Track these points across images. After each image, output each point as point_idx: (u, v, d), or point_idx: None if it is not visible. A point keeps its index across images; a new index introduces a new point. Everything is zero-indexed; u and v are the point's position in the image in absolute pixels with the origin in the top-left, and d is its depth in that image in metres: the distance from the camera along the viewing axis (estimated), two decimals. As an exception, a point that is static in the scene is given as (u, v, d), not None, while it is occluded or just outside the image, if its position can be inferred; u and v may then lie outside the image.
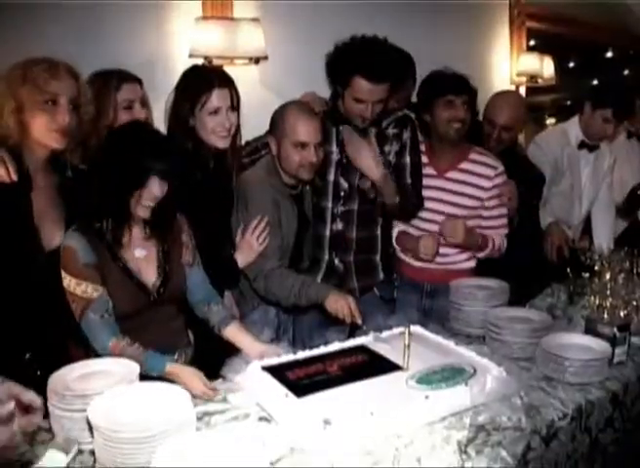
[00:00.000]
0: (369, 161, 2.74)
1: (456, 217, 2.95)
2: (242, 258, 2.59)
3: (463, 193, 3.00)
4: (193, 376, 1.99)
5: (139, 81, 2.64)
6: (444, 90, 2.93)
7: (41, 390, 1.72)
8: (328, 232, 2.88)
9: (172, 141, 2.31)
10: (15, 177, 2.01)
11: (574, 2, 5.77)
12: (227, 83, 2.49)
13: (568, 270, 2.94)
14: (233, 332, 2.27)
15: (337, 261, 2.91)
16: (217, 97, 2.45)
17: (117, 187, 2.02)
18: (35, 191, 2.09)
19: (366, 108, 2.68)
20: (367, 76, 2.61)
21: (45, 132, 2.04)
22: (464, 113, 2.92)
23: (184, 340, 2.31)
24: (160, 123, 2.56)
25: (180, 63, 3.39)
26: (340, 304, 2.38)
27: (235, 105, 2.51)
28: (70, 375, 1.83)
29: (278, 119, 2.63)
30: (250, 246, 2.58)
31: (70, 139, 2.11)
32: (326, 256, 2.91)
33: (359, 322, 2.36)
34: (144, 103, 2.63)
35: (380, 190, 2.78)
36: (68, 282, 2.00)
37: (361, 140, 2.76)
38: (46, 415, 1.70)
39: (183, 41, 3.53)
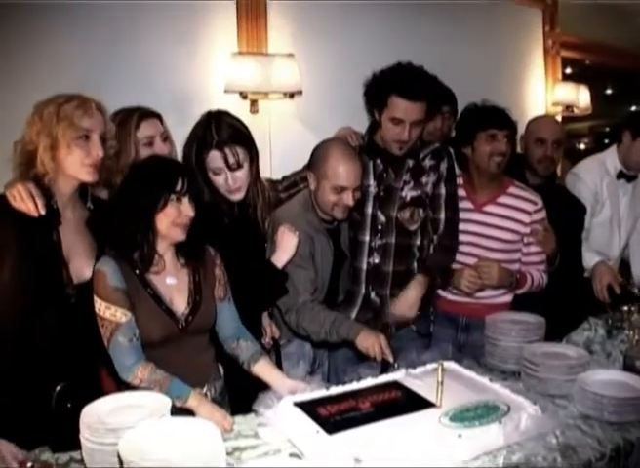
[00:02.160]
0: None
1: (493, 251, 2.95)
2: (282, 254, 2.56)
3: (502, 227, 2.98)
4: (214, 412, 2.00)
5: (158, 117, 2.67)
6: (486, 123, 2.94)
7: (71, 422, 1.75)
8: (365, 266, 2.87)
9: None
10: (43, 212, 2.04)
11: (608, 30, 5.74)
12: (223, 144, 2.43)
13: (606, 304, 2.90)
14: (262, 369, 2.26)
15: (373, 295, 2.90)
16: (213, 159, 2.44)
17: (145, 211, 2.07)
18: (64, 225, 2.14)
19: (403, 130, 2.69)
20: (403, 94, 2.64)
21: (79, 166, 2.10)
22: (506, 147, 2.92)
23: (214, 374, 2.30)
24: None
25: (216, 98, 3.44)
26: (370, 342, 2.39)
27: (236, 166, 2.45)
28: (103, 408, 1.83)
29: (320, 158, 2.63)
30: (288, 238, 2.56)
31: (100, 173, 2.16)
32: (362, 290, 2.90)
33: (390, 359, 2.36)
34: (166, 138, 2.66)
35: None
36: (99, 306, 2.03)
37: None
38: (79, 447, 1.73)
39: (219, 76, 3.59)
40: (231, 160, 2.43)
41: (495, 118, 2.94)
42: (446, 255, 2.94)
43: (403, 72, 2.69)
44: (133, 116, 2.58)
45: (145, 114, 2.63)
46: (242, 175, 2.48)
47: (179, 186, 2.07)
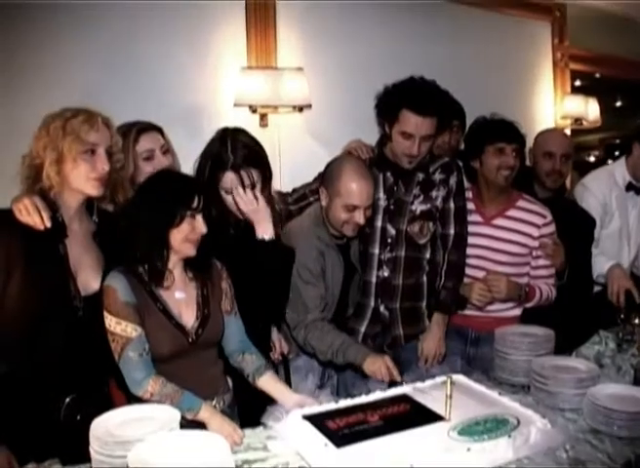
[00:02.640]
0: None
1: (502, 264, 2.96)
2: (265, 226, 2.48)
3: (511, 240, 2.99)
4: (225, 424, 2.00)
5: (158, 130, 2.68)
6: (495, 137, 2.94)
7: (80, 434, 1.76)
8: (374, 279, 2.87)
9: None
10: (49, 224, 2.05)
11: (617, 42, 5.74)
12: (238, 166, 2.42)
13: (617, 316, 2.88)
14: (267, 383, 2.27)
15: (382, 308, 2.90)
16: (227, 180, 2.43)
17: (160, 227, 2.08)
18: (70, 238, 2.15)
19: (413, 145, 2.70)
20: (414, 109, 2.65)
21: (84, 180, 2.11)
22: (514, 161, 2.92)
23: (223, 386, 2.30)
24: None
25: (225, 112, 3.47)
26: (377, 366, 2.39)
27: (250, 184, 2.43)
28: (112, 421, 1.83)
29: (333, 175, 2.62)
30: (262, 209, 2.48)
31: (106, 187, 2.18)
32: (372, 303, 2.90)
33: (398, 379, 2.36)
34: (166, 151, 2.67)
35: None
36: (109, 321, 2.03)
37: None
38: (88, 460, 1.73)
39: (229, 90, 3.62)
40: (246, 182, 2.42)
41: (503, 132, 2.95)
42: (456, 277, 2.93)
43: (415, 87, 2.70)
44: (132, 130, 2.59)
45: (144, 128, 2.64)
46: (244, 197, 2.45)
47: (195, 203, 2.09)
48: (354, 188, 2.55)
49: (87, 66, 3.30)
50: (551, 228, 3.02)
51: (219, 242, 2.31)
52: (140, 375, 2.02)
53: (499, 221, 3.02)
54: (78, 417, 2.05)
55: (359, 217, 2.58)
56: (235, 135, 2.49)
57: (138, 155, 2.58)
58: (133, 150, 2.57)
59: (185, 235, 2.09)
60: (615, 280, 3.34)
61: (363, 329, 2.88)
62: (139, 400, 2.02)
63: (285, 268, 2.55)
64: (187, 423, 1.93)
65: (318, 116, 3.90)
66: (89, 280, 2.17)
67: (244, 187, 2.42)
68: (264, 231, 2.47)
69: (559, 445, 1.95)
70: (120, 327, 2.02)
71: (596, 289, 3.62)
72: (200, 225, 2.11)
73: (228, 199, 2.46)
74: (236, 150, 2.43)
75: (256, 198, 2.43)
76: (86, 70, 3.28)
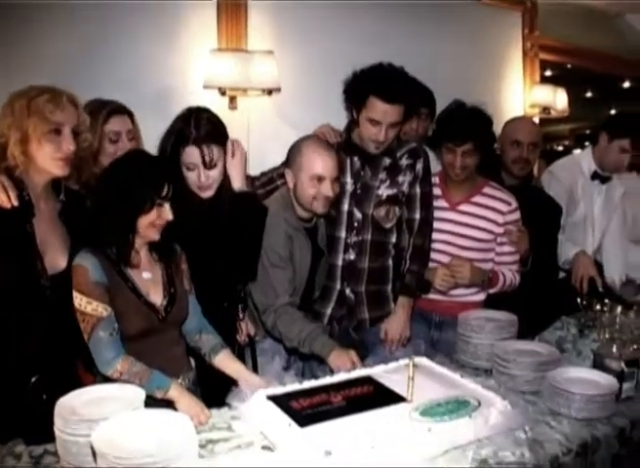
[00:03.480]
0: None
1: (466, 250, 2.99)
2: (236, 173, 2.54)
3: (476, 226, 3.02)
4: (191, 404, 2.03)
5: (129, 114, 2.69)
6: (448, 137, 2.95)
7: (46, 414, 1.75)
8: (340, 262, 2.89)
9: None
10: (15, 203, 2.04)
11: (587, 33, 5.80)
12: (201, 141, 2.44)
13: (579, 302, 2.93)
14: (222, 361, 2.30)
15: (348, 291, 2.91)
16: (190, 155, 2.44)
17: (130, 213, 2.08)
18: (37, 217, 2.13)
19: (380, 131, 2.71)
20: (382, 96, 2.65)
21: (50, 160, 2.09)
22: (462, 161, 2.92)
23: (186, 365, 2.33)
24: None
25: (195, 94, 3.45)
26: (342, 360, 2.42)
27: (210, 164, 2.45)
28: (77, 400, 1.83)
29: (295, 152, 2.65)
30: (237, 161, 2.55)
31: (72, 166, 2.15)
32: (337, 286, 2.91)
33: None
34: (133, 137, 2.68)
35: None
36: (79, 301, 2.02)
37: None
38: (53, 439, 1.73)
39: (198, 72, 3.59)
40: (207, 158, 2.43)
41: (455, 133, 2.93)
42: (420, 261, 2.94)
43: (383, 74, 2.71)
44: (103, 110, 2.60)
45: (116, 110, 2.65)
46: (215, 173, 2.48)
47: (164, 192, 2.10)
48: (317, 159, 2.58)
49: (58, 49, 3.26)
50: (516, 215, 3.06)
51: (181, 219, 2.30)
52: (110, 355, 2.02)
53: (464, 207, 3.05)
54: (44, 397, 2.04)
55: (327, 190, 2.59)
56: (199, 111, 2.50)
57: (105, 135, 2.58)
58: (100, 129, 2.57)
59: (152, 221, 2.10)
60: (580, 267, 3.38)
61: (329, 311, 2.90)
62: (107, 380, 2.02)
63: (257, 224, 2.57)
64: (156, 402, 1.95)
65: (287, 100, 3.89)
66: (56, 259, 2.16)
67: (205, 163, 2.43)
68: (240, 183, 2.54)
69: (518, 426, 1.99)
70: (91, 306, 2.01)
71: (561, 275, 3.68)
72: (167, 212, 2.12)
73: (190, 176, 2.46)
74: (199, 126, 2.44)
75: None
76: (57, 53, 3.24)
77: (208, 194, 2.51)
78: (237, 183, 2.54)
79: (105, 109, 2.60)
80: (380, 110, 2.68)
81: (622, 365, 2.24)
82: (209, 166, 2.45)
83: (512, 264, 3.08)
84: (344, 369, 2.37)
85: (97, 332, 2.01)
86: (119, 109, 2.65)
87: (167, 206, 2.12)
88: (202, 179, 2.46)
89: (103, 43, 3.33)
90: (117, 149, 2.58)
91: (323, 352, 2.48)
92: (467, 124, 2.94)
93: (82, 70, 3.15)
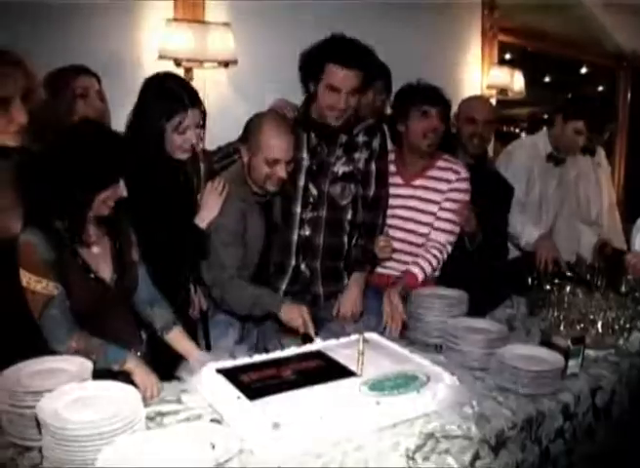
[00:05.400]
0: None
1: (422, 225, 3.04)
2: (206, 213, 2.60)
3: (429, 199, 3.04)
4: (148, 375, 2.03)
5: (96, 77, 2.71)
6: (420, 100, 2.98)
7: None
8: (295, 237, 2.89)
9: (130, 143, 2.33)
10: None
11: (546, 17, 5.83)
12: (198, 102, 2.52)
13: (530, 282, 2.97)
14: (174, 339, 2.31)
15: (303, 267, 2.92)
16: (188, 119, 2.47)
17: (84, 189, 2.02)
18: None
19: (339, 99, 2.70)
20: (339, 61, 2.66)
21: (2, 133, 2.01)
22: (439, 124, 2.96)
23: (137, 338, 2.32)
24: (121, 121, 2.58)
25: (149, 64, 3.40)
26: (293, 314, 2.43)
27: (202, 123, 2.54)
28: (23, 372, 1.82)
29: (253, 130, 2.62)
30: (213, 198, 2.61)
31: (27, 132, 2.08)
32: (292, 262, 2.92)
33: (311, 333, 2.41)
34: (102, 98, 2.71)
35: None
36: (28, 279, 1.98)
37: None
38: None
39: (153, 42, 3.54)
40: (203, 116, 2.54)
41: (428, 95, 2.99)
42: (369, 236, 2.93)
43: (339, 41, 2.72)
44: (71, 69, 2.65)
45: (84, 70, 2.69)
46: (201, 135, 2.56)
47: (123, 168, 2.08)
48: (274, 142, 2.56)
49: (10, 13, 3.17)
50: (463, 185, 3.07)
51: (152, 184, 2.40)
52: (62, 332, 2.01)
53: (417, 182, 3.07)
54: None
55: (281, 172, 2.58)
56: (178, 77, 2.63)
57: (75, 90, 2.61)
58: (71, 86, 2.61)
59: (108, 197, 2.07)
60: (544, 248, 3.42)
61: (284, 286, 2.91)
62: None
63: (201, 252, 2.63)
64: (114, 375, 1.96)
65: (244, 73, 3.84)
66: (8, 220, 2.08)
67: (199, 123, 2.51)
68: (202, 219, 2.60)
69: (466, 401, 2.02)
70: (41, 285, 1.98)
71: (513, 254, 3.73)
72: (122, 189, 2.08)
73: (182, 138, 2.48)
74: (188, 87, 2.55)
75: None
76: (9, 17, 3.15)
77: (186, 156, 2.55)
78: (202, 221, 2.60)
79: (73, 68, 2.66)
80: (339, 76, 2.67)
81: (569, 342, 2.29)
82: (202, 125, 2.53)
83: (449, 234, 3.06)
84: (296, 322, 2.41)
85: (48, 311, 1.99)
86: (87, 70, 2.70)
87: (122, 183, 2.08)
88: (193, 140, 2.50)
89: (55, 12, 3.25)
90: (87, 106, 2.62)
91: (274, 307, 2.50)
92: (436, 89, 3.02)
93: (31, 40, 3.06)
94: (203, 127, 2.55)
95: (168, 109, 2.45)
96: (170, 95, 2.48)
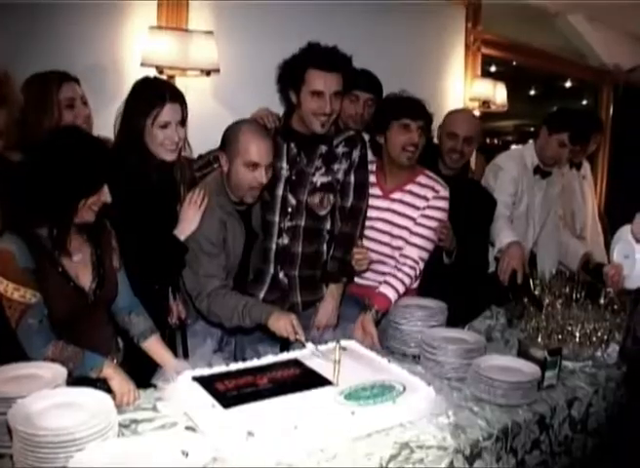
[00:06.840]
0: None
1: (397, 238, 3.01)
2: (186, 226, 2.61)
3: (405, 214, 3.02)
4: (125, 382, 2.02)
5: (76, 80, 2.72)
6: (400, 113, 2.95)
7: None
8: (274, 246, 2.88)
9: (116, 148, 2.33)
10: None
11: (530, 31, 5.89)
12: (178, 98, 2.55)
13: (509, 293, 2.98)
14: (150, 347, 2.32)
15: (281, 275, 2.91)
16: (167, 112, 2.49)
17: (68, 195, 2.02)
18: None
19: (325, 103, 2.70)
20: (320, 66, 2.67)
21: None
22: (419, 138, 2.94)
23: (114, 346, 2.31)
24: (105, 127, 2.60)
25: (132, 71, 3.40)
26: (282, 322, 2.41)
27: (184, 120, 2.56)
28: (-4, 378, 1.81)
29: (231, 137, 2.62)
30: (192, 211, 2.61)
31: (6, 141, 2.07)
32: (271, 270, 2.91)
33: (302, 339, 2.38)
34: (85, 102, 2.72)
35: None
36: (5, 287, 1.96)
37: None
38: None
39: (136, 49, 3.54)
40: (184, 113, 2.56)
41: (409, 108, 2.97)
42: (345, 248, 2.91)
43: (317, 47, 2.73)
44: (53, 78, 2.62)
45: (65, 77, 2.68)
46: (184, 133, 2.57)
47: (106, 176, 2.07)
48: (252, 145, 2.56)
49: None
50: (440, 203, 3.02)
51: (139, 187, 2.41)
52: (40, 342, 1.99)
53: (396, 195, 3.05)
54: None
55: (261, 177, 2.57)
56: (161, 79, 2.71)
57: (60, 103, 2.62)
58: (56, 97, 2.61)
59: (92, 203, 2.06)
60: (507, 258, 3.25)
61: (262, 294, 2.89)
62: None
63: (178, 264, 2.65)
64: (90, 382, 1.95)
65: (226, 82, 3.85)
66: None
67: (181, 120, 2.54)
68: (182, 232, 2.60)
69: (442, 411, 2.02)
70: (18, 293, 1.96)
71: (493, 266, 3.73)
72: (106, 195, 2.08)
73: (164, 133, 2.50)
74: (168, 85, 2.63)
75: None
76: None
77: (172, 156, 2.57)
78: (182, 234, 2.60)
79: (55, 77, 2.65)
80: (321, 80, 2.68)
81: (546, 353, 2.29)
82: (184, 121, 2.56)
83: (421, 250, 3.00)
84: (285, 331, 2.39)
85: (25, 320, 1.97)
86: (67, 76, 2.70)
87: (106, 189, 2.07)
88: (175, 138, 2.52)
89: (37, 16, 3.24)
90: (75, 116, 2.65)
91: (263, 317, 2.47)
92: (418, 102, 3.00)
93: (14, 45, 3.06)
94: (185, 124, 2.58)
95: (147, 104, 2.49)
96: (149, 91, 2.53)
